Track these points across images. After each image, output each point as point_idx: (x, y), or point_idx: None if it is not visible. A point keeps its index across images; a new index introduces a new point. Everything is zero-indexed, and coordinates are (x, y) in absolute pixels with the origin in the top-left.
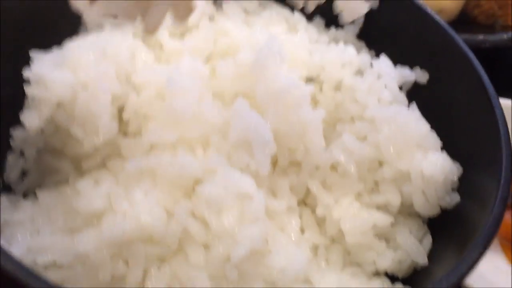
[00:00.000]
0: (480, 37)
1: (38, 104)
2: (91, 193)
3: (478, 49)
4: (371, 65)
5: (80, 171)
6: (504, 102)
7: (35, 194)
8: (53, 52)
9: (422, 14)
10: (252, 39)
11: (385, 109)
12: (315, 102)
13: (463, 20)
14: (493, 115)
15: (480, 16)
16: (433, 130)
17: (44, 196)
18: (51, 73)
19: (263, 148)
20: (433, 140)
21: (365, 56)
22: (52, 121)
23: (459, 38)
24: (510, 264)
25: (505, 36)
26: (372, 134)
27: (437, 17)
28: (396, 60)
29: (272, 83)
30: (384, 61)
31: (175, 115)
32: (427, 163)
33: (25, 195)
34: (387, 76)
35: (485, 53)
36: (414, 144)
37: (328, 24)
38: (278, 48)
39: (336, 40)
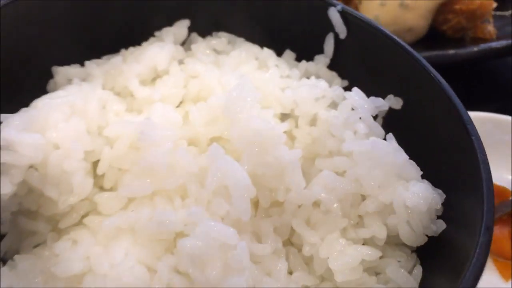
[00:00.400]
0: (451, 51)
1: (9, 170)
2: (69, 255)
3: (449, 64)
4: (344, 97)
5: (57, 231)
6: (477, 114)
7: (13, 259)
8: (21, 114)
9: (388, 40)
10: (222, 81)
11: (361, 142)
12: (292, 138)
13: (432, 36)
14: (470, 142)
15: (449, 30)
16: (412, 160)
17: (23, 261)
18: (20, 137)
19: (241, 193)
20: (413, 169)
21: (337, 88)
22: (25, 183)
23: (427, 64)
24: (505, 281)
25: (475, 48)
26: (351, 169)
27: (403, 43)
28: (370, 88)
29: (245, 125)
30: (356, 92)
31: (150, 167)
32: (409, 194)
33: (3, 260)
34: (361, 108)
35: (458, 67)
36: (394, 175)
37: (299, 56)
38: (249, 89)
39: (307, 73)
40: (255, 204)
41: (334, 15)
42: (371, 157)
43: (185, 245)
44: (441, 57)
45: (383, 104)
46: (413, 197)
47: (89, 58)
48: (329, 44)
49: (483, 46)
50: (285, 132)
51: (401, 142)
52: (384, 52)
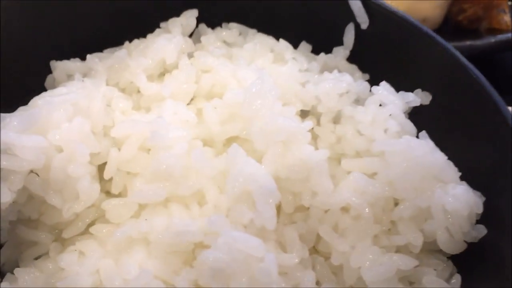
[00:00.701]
0: (468, 43)
1: (8, 176)
2: (76, 269)
3: (465, 56)
4: (371, 92)
5: (61, 241)
6: None
7: (13, 272)
8: (19, 113)
9: (414, 29)
10: (238, 76)
11: (394, 142)
12: (314, 137)
13: (446, 27)
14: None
15: (464, 21)
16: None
17: (24, 275)
18: (19, 139)
19: (266, 199)
20: (451, 170)
21: (362, 83)
22: (25, 190)
23: (460, 55)
24: None
25: (492, 40)
26: (383, 170)
27: (432, 32)
28: (393, 82)
29: (267, 124)
30: (385, 87)
31: (163, 170)
32: (449, 197)
33: (1, 273)
34: (391, 104)
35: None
36: (431, 178)
37: (315, 49)
38: (269, 84)
39: (326, 67)
40: (277, 209)
41: (355, 3)
42: (405, 157)
43: (207, 258)
44: (457, 49)
45: (414, 99)
46: (453, 201)
47: (90, 51)
48: (349, 35)
49: (500, 37)
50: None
51: (432, 140)
52: (411, 43)
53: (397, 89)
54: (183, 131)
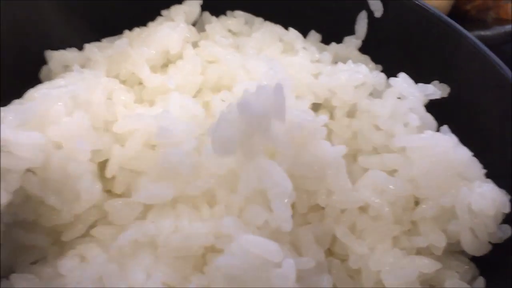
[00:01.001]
0: (475, 33)
1: (4, 175)
2: (78, 275)
3: None
4: (388, 84)
5: (60, 245)
6: None
7: (8, 278)
8: (14, 107)
9: (431, 16)
10: (248, 67)
11: (416, 137)
12: (328, 132)
13: (453, 16)
14: None
15: (473, 10)
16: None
17: (21, 281)
18: (15, 136)
19: (282, 198)
20: (477, 168)
21: (379, 74)
22: (21, 190)
23: (482, 45)
24: None
25: (502, 30)
26: (404, 168)
27: (452, 21)
28: (408, 73)
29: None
30: (404, 79)
31: (171, 168)
32: (474, 196)
33: None
34: (411, 97)
35: None
36: (455, 175)
37: (324, 39)
38: (282, 76)
39: (337, 57)
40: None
41: None
42: (428, 154)
43: (220, 264)
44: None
45: (434, 91)
46: (479, 200)
47: (87, 41)
48: (361, 24)
49: (508, 27)
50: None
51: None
52: (427, 32)
53: (413, 79)
54: (191, 126)
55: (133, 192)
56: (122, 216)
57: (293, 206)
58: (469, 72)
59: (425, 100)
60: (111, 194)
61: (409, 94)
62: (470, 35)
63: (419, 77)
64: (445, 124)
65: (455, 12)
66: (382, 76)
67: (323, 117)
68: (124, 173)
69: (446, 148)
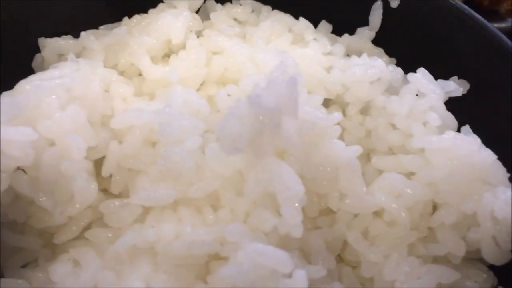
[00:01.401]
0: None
1: None
2: (71, 282)
3: None
4: (406, 80)
5: (51, 247)
6: None
7: None
8: (4, 100)
9: (451, 8)
10: (256, 59)
11: (436, 138)
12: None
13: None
14: None
15: (486, 1)
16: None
17: (9, 286)
18: (4, 132)
19: (292, 203)
20: (501, 172)
21: (395, 69)
22: (10, 189)
23: (505, 38)
24: None
25: None
26: (423, 170)
27: (473, 12)
28: (424, 67)
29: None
30: (424, 74)
31: (172, 168)
32: (498, 203)
33: None
34: (431, 94)
35: None
36: (478, 180)
37: (336, 29)
38: (294, 69)
39: (349, 50)
40: None
41: None
42: (449, 156)
43: (225, 274)
44: None
45: (455, 88)
46: (503, 207)
47: (84, 28)
48: (376, 15)
49: None
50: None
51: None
52: (447, 24)
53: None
54: (195, 122)
55: (131, 193)
56: (119, 218)
57: (303, 209)
58: (489, 67)
59: (445, 97)
60: (107, 193)
61: (428, 91)
62: (492, 27)
63: (435, 72)
64: (469, 122)
65: (468, 3)
66: (399, 71)
67: (337, 114)
68: (121, 172)
69: (469, 150)
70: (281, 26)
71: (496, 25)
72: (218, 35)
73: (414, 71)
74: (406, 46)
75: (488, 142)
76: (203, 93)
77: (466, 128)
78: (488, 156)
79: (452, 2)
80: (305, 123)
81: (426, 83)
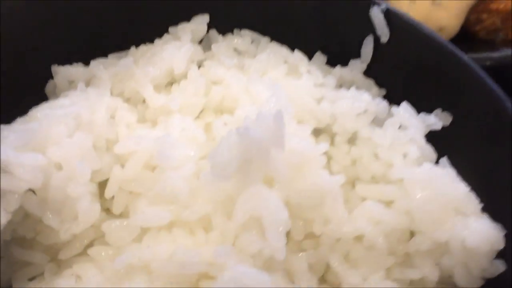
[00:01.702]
0: (484, 54)
1: (4, 196)
2: None
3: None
4: (390, 113)
5: (57, 262)
6: None
7: None
8: (18, 127)
9: (436, 44)
10: (251, 90)
11: (415, 169)
12: (327, 158)
13: (463, 36)
14: None
15: (481, 31)
16: (472, 191)
17: None
18: (17, 157)
19: (276, 227)
20: (473, 203)
21: (381, 102)
22: (21, 209)
23: (484, 75)
24: None
25: (510, 52)
26: (401, 199)
27: (454, 48)
28: (410, 99)
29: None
30: (406, 109)
31: (169, 192)
32: (469, 232)
33: None
34: (411, 128)
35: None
36: (451, 210)
37: (330, 61)
38: (285, 101)
39: (341, 81)
40: (286, 236)
41: (377, 15)
42: (425, 186)
43: None
44: (475, 60)
45: (435, 122)
46: (474, 236)
47: (94, 56)
48: (367, 48)
49: None
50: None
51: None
52: (431, 58)
53: (415, 106)
54: (191, 150)
55: (131, 214)
56: (119, 237)
57: (288, 233)
58: (470, 102)
59: (426, 130)
60: (109, 212)
61: (410, 124)
62: (473, 64)
63: (422, 104)
64: (447, 153)
65: (465, 33)
66: (385, 104)
67: (324, 145)
68: (123, 194)
69: (444, 182)
70: (277, 58)
71: (491, 54)
72: (217, 66)
73: (403, 101)
74: (396, 78)
75: (465, 172)
76: (201, 121)
77: (444, 160)
78: (462, 188)
79: (438, 40)
80: (292, 152)
81: (408, 117)
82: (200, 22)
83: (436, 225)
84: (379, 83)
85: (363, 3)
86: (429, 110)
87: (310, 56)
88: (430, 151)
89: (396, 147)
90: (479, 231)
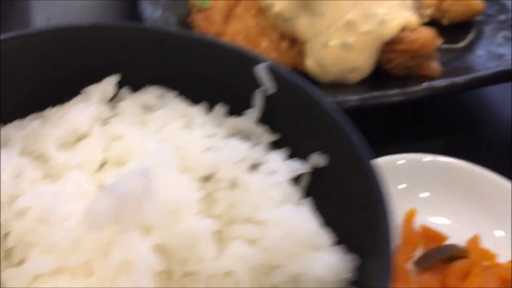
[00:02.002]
0: (395, 91)
1: None
2: None
3: (394, 103)
4: (265, 159)
5: None
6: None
7: None
8: None
9: (306, 94)
10: (144, 144)
11: (275, 211)
12: (212, 201)
13: (379, 74)
14: (379, 211)
15: (393, 69)
16: (327, 224)
17: None
18: None
19: (146, 270)
20: (323, 237)
21: (259, 150)
22: None
23: (346, 123)
24: None
25: (421, 87)
26: (263, 238)
27: (325, 102)
28: (297, 145)
29: (158, 196)
30: (275, 155)
31: (55, 242)
32: (318, 264)
33: None
34: (278, 173)
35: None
36: (304, 245)
37: (232, 110)
38: (167, 154)
39: (236, 129)
40: (168, 274)
41: (261, 71)
42: (283, 226)
43: None
44: (383, 97)
45: (300, 167)
46: (322, 267)
47: (14, 118)
48: (258, 99)
49: (424, 85)
50: (203, 197)
51: (321, 205)
52: (306, 108)
53: (300, 151)
54: (80, 203)
55: (26, 262)
56: (15, 283)
57: (168, 272)
58: (332, 146)
59: (291, 175)
60: (11, 262)
61: (277, 169)
62: (335, 112)
63: (305, 148)
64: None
65: (380, 71)
66: (262, 151)
67: (199, 192)
68: (21, 244)
69: (299, 221)
70: (175, 113)
71: (404, 90)
72: (120, 122)
73: (288, 145)
74: (282, 124)
75: (326, 210)
76: (99, 176)
77: (304, 201)
78: (313, 226)
79: (310, 95)
80: (169, 201)
81: (276, 163)
82: (110, 82)
83: (290, 259)
84: (273, 130)
85: (252, 61)
86: (308, 153)
87: (212, 106)
88: (294, 195)
89: (263, 191)
90: (327, 262)
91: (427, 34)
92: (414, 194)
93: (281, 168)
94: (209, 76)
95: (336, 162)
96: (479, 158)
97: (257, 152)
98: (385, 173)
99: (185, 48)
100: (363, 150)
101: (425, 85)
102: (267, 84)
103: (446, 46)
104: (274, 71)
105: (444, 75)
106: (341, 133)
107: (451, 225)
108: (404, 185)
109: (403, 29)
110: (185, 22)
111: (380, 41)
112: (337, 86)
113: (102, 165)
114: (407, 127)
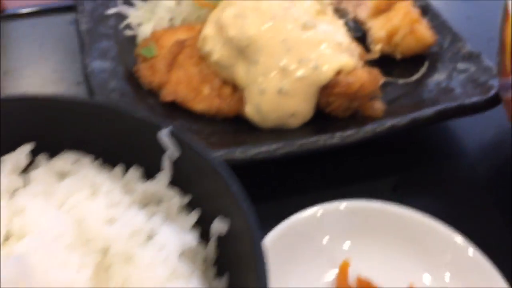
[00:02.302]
0: (341, 134)
1: None
2: None
3: (336, 147)
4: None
5: None
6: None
7: None
8: None
9: (201, 158)
10: (43, 218)
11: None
12: (108, 277)
13: (322, 117)
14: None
15: (334, 112)
16: None
17: None
18: None
19: None
20: None
21: (155, 221)
22: None
23: (233, 185)
24: None
25: (357, 133)
26: None
27: (217, 164)
28: (209, 208)
29: (42, 279)
30: (168, 227)
31: None
32: None
33: None
34: (169, 246)
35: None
36: None
37: (148, 172)
38: (57, 233)
39: (146, 193)
40: None
41: (163, 137)
42: None
43: None
44: (322, 141)
45: (191, 240)
46: None
47: None
48: (166, 163)
49: (365, 128)
50: (95, 274)
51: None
52: (205, 173)
53: (208, 214)
54: None
55: None
56: None
57: None
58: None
59: (182, 248)
60: None
61: (168, 242)
62: (226, 173)
63: (207, 211)
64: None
65: (323, 113)
66: (157, 223)
67: (86, 271)
68: None
69: None
70: (83, 181)
71: (345, 133)
72: (26, 194)
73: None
74: (195, 186)
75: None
76: (6, 250)
77: (195, 275)
78: None
79: (206, 158)
80: (53, 282)
81: (167, 236)
82: (23, 151)
83: None
84: (185, 191)
85: (155, 127)
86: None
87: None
88: (182, 268)
89: (152, 267)
90: None
91: (365, 76)
92: (339, 245)
93: (172, 241)
94: (123, 141)
95: (232, 227)
96: (434, 194)
97: (154, 222)
98: (308, 228)
99: (94, 115)
100: (249, 216)
101: (363, 129)
102: (171, 148)
103: (403, 80)
104: (175, 136)
105: (389, 114)
106: (232, 197)
107: (382, 272)
108: (327, 237)
109: (339, 72)
110: (131, 72)
111: (316, 85)
112: (279, 131)
113: (7, 239)
114: (356, 168)
